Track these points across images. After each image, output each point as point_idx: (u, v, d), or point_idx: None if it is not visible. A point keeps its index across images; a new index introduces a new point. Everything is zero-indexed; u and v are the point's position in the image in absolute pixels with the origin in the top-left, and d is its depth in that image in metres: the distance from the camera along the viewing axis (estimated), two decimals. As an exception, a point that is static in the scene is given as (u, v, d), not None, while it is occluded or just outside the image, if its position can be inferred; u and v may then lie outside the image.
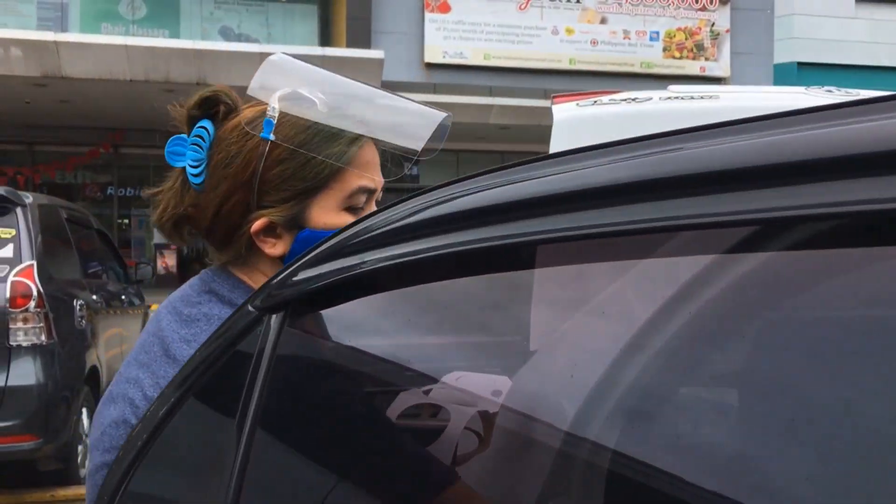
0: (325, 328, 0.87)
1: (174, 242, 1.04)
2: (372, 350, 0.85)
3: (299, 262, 0.83)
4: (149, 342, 1.00)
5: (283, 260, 0.96)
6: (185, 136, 1.00)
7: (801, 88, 2.14)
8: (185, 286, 1.06)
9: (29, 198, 4.51)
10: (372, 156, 0.99)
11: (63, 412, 4.32)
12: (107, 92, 12.35)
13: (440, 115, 0.99)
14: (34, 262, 4.18)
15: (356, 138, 0.96)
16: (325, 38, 15.75)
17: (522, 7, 14.85)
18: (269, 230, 0.97)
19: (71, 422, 4.43)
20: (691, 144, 0.53)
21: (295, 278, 0.83)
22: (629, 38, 15.28)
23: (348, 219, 0.94)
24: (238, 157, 0.96)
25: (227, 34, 15.61)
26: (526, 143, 11.46)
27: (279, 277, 0.85)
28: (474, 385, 0.75)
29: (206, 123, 0.99)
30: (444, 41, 14.57)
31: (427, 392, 0.78)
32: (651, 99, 1.71)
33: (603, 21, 15.23)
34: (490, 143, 15.60)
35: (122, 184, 16.35)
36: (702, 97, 1.64)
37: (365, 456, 0.80)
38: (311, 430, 0.86)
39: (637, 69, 15.25)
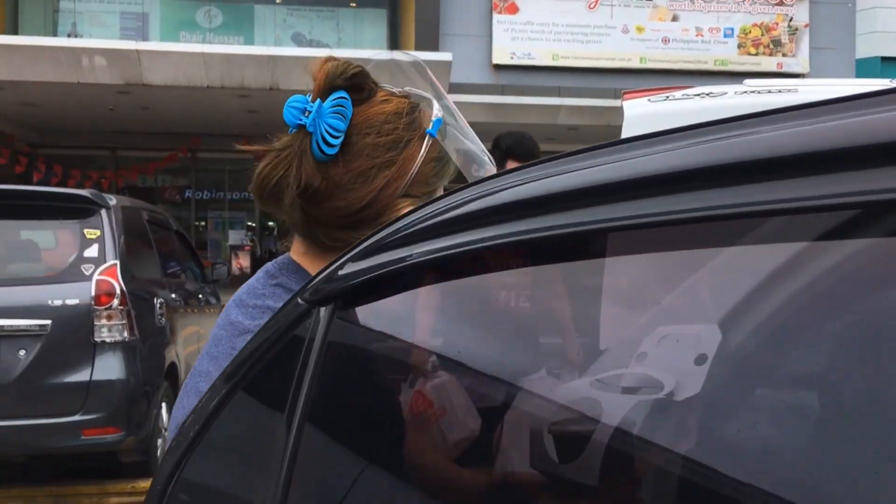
0: (373, 321, 0.87)
1: (266, 208, 1.00)
2: (419, 343, 0.84)
3: (347, 256, 0.84)
4: (217, 335, 1.03)
5: None
6: (306, 98, 0.96)
7: (886, 81, 2.05)
8: (251, 280, 1.06)
9: (113, 200, 4.69)
10: None
11: (144, 406, 4.47)
12: (185, 98, 12.75)
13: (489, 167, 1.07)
14: (117, 262, 4.34)
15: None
16: (394, 42, 15.90)
17: (592, 6, 14.68)
18: None
19: (151, 415, 4.58)
20: (767, 127, 0.51)
21: (343, 272, 0.83)
22: (702, 36, 14.93)
23: None
24: (409, 144, 0.98)
25: (298, 40, 15.93)
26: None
27: (327, 271, 0.86)
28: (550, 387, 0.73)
29: (346, 96, 0.95)
30: (511, 42, 14.53)
31: (475, 387, 0.77)
32: (726, 93, 1.67)
33: (675, 19, 14.93)
34: (559, 143, 15.47)
35: (200, 187, 16.85)
36: (780, 91, 1.59)
37: (409, 448, 0.80)
38: (360, 422, 0.86)
39: (711, 67, 14.90)
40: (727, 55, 15.03)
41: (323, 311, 0.84)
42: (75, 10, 15.62)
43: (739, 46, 15.08)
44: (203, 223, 16.93)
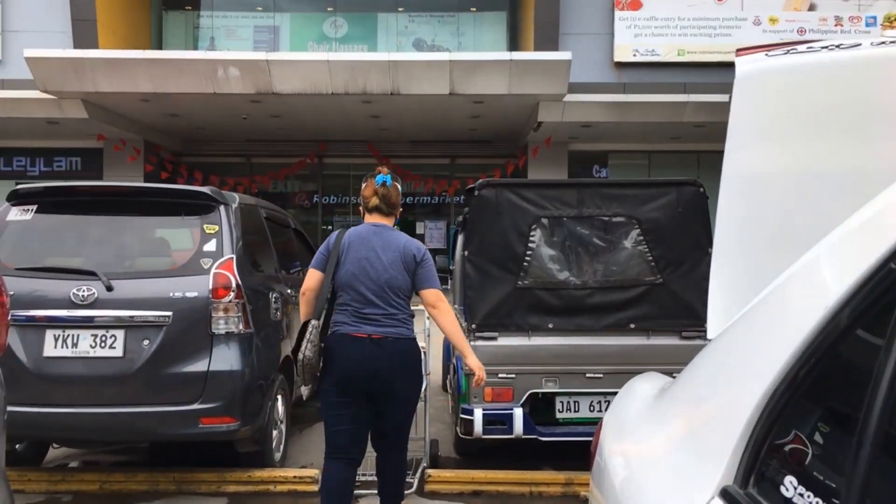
0: None
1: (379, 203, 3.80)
2: None
3: None
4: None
5: None
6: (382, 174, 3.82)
7: None
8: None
9: (233, 198, 4.84)
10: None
11: (258, 397, 4.57)
12: (312, 105, 13.16)
13: None
14: (234, 256, 4.47)
15: None
16: (514, 43, 15.80)
17: (721, -1, 14.03)
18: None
19: (266, 407, 4.68)
20: None
21: None
22: (841, 25, 13.95)
23: None
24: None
25: (420, 45, 16.13)
26: (724, 142, 10.71)
27: None
28: None
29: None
30: (634, 39, 14.11)
31: None
32: (860, 45, 1.46)
33: (811, 8, 14.03)
34: (684, 142, 14.86)
35: (326, 192, 17.37)
36: (923, 40, 1.37)
37: None
38: None
39: (854, 58, 13.90)
40: (873, 44, 13.96)
41: None
42: (213, 25, 16.49)
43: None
44: (330, 227, 17.42)
